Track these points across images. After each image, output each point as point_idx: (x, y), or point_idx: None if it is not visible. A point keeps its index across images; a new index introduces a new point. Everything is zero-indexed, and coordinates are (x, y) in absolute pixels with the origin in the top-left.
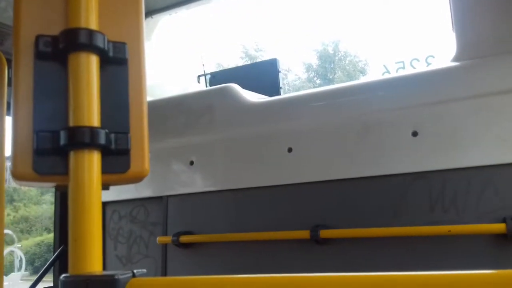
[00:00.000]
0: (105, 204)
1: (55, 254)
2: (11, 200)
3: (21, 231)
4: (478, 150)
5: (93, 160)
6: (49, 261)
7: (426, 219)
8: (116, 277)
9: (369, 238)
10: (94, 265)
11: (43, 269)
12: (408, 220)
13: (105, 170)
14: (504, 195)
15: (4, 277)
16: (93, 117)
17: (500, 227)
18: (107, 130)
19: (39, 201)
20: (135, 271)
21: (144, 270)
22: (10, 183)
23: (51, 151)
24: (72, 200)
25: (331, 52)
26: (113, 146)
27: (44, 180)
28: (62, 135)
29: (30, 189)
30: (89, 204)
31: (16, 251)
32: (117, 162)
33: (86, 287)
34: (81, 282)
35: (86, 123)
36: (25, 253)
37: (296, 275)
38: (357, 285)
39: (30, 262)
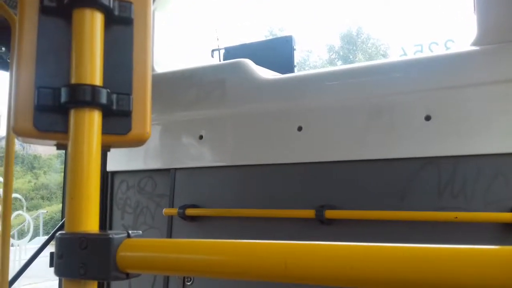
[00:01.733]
0: (113, 174)
1: (62, 220)
2: (32, 168)
3: (42, 198)
4: (491, 137)
5: (94, 119)
6: (57, 227)
7: (434, 205)
8: (111, 236)
9: (374, 220)
10: (90, 224)
11: (50, 234)
12: (415, 204)
13: (105, 130)
14: None
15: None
16: (95, 76)
17: (507, 216)
18: (109, 90)
19: (59, 169)
20: (130, 232)
21: (140, 232)
22: (28, 150)
23: (52, 108)
24: (70, 159)
25: (354, 34)
26: (114, 107)
27: (44, 137)
28: (63, 92)
29: (50, 158)
30: (88, 163)
31: (25, 215)
32: (118, 123)
33: (81, 245)
34: (76, 239)
35: (88, 81)
36: (50, 219)
37: (278, 242)
38: (353, 255)
39: (55, 226)
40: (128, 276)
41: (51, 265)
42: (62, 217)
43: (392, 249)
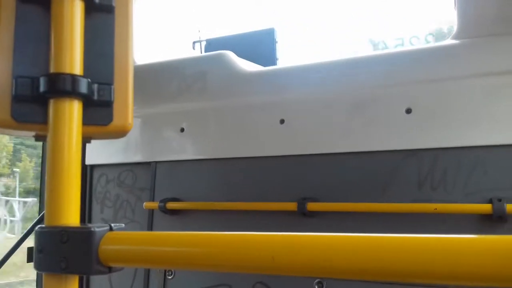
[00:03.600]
0: (92, 167)
1: (41, 213)
2: None
3: None
4: (471, 130)
5: (74, 110)
6: (35, 220)
7: (414, 197)
8: (93, 229)
9: (356, 212)
10: (71, 217)
11: (30, 227)
12: (396, 197)
13: (86, 121)
14: (492, 176)
15: None
16: (75, 65)
17: (486, 207)
18: (89, 80)
19: None
20: (112, 225)
21: (122, 225)
22: None
23: (31, 98)
24: (50, 151)
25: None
26: (95, 97)
27: (22, 128)
28: (42, 81)
29: None
30: (68, 155)
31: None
32: (99, 114)
33: (61, 238)
34: (56, 233)
35: (68, 70)
36: None
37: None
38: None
39: None
40: (110, 269)
41: (28, 260)
42: (40, 210)
43: (374, 240)
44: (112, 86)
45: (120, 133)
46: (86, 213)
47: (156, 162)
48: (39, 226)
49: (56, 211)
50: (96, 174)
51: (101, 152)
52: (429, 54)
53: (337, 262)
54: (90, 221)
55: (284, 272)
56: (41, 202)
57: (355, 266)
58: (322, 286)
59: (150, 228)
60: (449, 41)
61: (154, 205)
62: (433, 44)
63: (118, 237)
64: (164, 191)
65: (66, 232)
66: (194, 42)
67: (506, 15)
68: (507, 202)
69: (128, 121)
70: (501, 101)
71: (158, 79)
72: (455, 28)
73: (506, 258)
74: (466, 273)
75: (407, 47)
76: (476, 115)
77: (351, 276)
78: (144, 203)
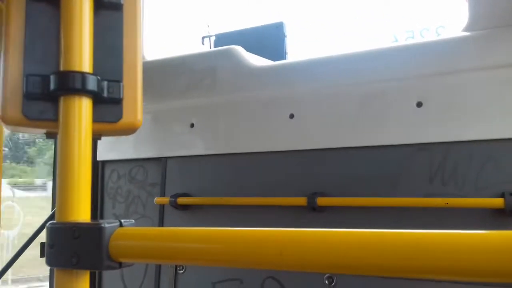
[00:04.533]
0: (104, 163)
1: (53, 210)
2: None
3: None
4: (482, 123)
5: (84, 107)
6: (47, 217)
7: (425, 191)
8: (103, 225)
9: (366, 207)
10: (82, 213)
11: (43, 222)
12: (406, 191)
13: (96, 118)
14: (504, 170)
15: None
16: (85, 62)
17: (498, 202)
18: (99, 77)
19: None
20: (122, 221)
21: (132, 221)
22: None
23: (41, 95)
24: (61, 148)
25: None
26: (105, 94)
27: (34, 125)
28: (52, 79)
29: None
30: (79, 151)
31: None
32: (109, 111)
33: (73, 234)
34: (68, 229)
35: (77, 68)
36: None
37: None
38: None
39: None
40: (121, 265)
41: (41, 255)
42: (53, 207)
43: (384, 235)
44: (122, 83)
45: (130, 130)
46: (98, 208)
47: (167, 157)
48: (50, 222)
49: (67, 207)
50: (107, 170)
51: (112, 148)
52: (440, 47)
53: (347, 258)
54: (102, 216)
55: (293, 268)
56: (53, 198)
57: (365, 262)
58: (332, 281)
59: (161, 223)
60: (460, 33)
61: (165, 200)
62: (443, 36)
63: (128, 233)
64: (175, 186)
65: (77, 228)
66: (203, 37)
67: None
68: None
69: (137, 117)
70: None
71: (168, 75)
72: (466, 19)
73: None
74: (478, 269)
75: (418, 39)
76: (487, 108)
77: (361, 271)
78: (155, 199)
